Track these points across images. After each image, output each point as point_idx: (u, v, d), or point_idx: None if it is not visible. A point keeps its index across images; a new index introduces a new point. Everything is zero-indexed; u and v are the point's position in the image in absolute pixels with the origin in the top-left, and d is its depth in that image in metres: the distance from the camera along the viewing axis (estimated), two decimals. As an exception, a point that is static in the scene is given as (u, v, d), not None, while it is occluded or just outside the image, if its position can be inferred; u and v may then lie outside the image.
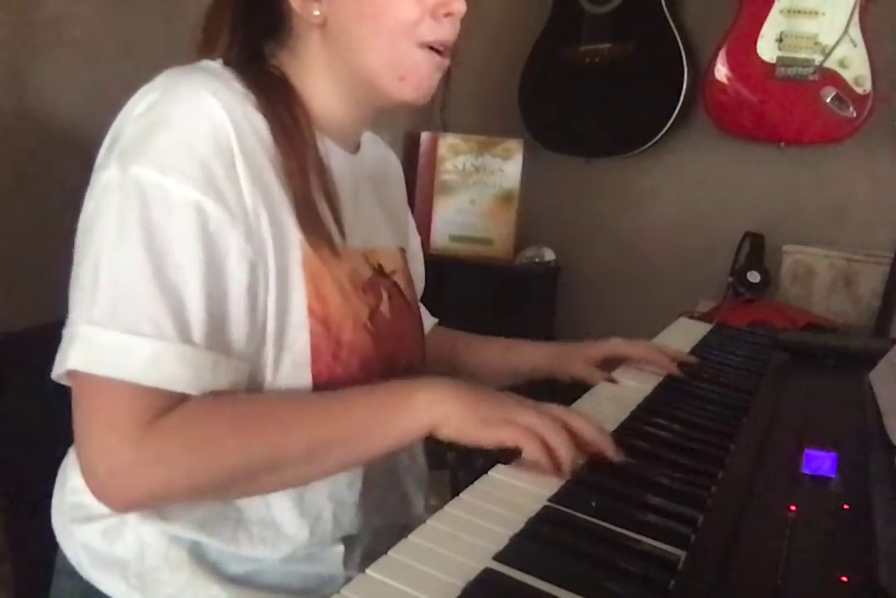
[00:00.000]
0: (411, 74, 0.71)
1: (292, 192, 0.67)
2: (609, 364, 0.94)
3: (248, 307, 0.64)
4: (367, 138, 0.87)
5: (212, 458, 0.61)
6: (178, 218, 0.60)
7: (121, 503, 0.63)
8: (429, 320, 1.00)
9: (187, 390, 0.60)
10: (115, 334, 0.58)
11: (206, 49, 0.72)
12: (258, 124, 0.67)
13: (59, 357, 0.61)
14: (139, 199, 0.60)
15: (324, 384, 0.69)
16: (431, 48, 0.71)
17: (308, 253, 0.68)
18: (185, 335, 0.59)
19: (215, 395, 0.62)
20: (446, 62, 0.73)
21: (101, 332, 0.58)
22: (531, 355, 0.97)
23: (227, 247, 0.62)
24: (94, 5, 1.35)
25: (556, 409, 0.65)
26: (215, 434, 0.61)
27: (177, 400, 0.60)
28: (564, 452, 0.61)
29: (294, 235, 0.67)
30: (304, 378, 0.69)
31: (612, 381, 0.88)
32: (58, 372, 0.62)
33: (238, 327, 0.64)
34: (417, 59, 0.71)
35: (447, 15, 0.71)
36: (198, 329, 0.60)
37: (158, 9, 1.42)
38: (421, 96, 0.73)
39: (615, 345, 0.94)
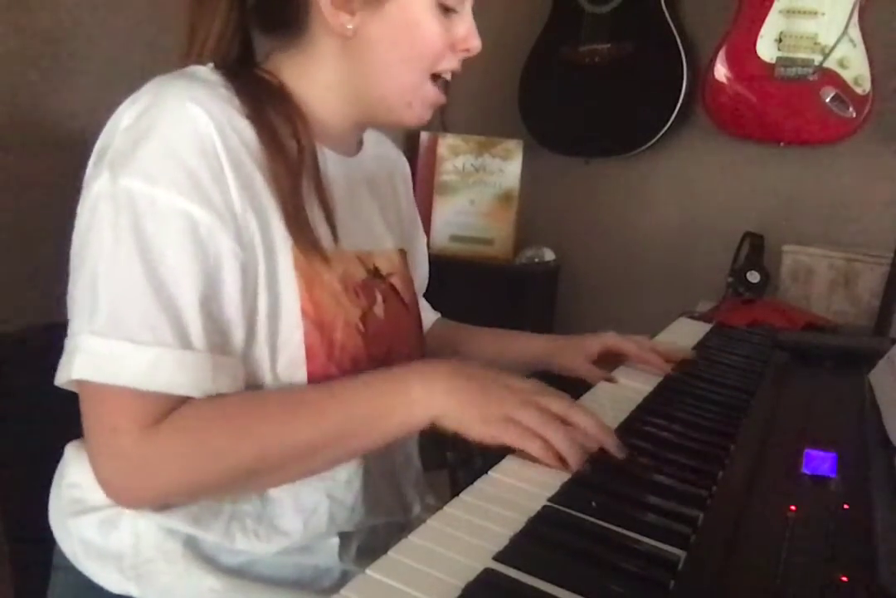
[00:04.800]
0: (417, 102, 0.75)
1: (280, 197, 0.68)
2: (606, 360, 0.94)
3: (243, 309, 0.65)
4: (371, 138, 0.87)
5: (211, 457, 0.63)
6: (168, 226, 0.61)
7: (132, 503, 0.66)
8: (431, 315, 1.02)
9: (189, 393, 0.62)
10: (115, 343, 0.60)
11: (192, 52, 0.72)
12: (244, 129, 0.67)
13: (62, 365, 0.63)
14: (130, 209, 0.61)
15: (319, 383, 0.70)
16: (435, 78, 0.75)
17: (299, 257, 0.69)
18: (184, 341, 0.61)
19: (214, 396, 0.63)
20: (443, 99, 0.77)
21: (101, 341, 0.60)
22: (529, 346, 0.98)
23: (219, 251, 0.63)
24: (92, 13, 1.35)
25: (558, 402, 0.65)
26: (213, 434, 0.63)
27: (179, 403, 0.62)
28: (568, 452, 0.61)
29: (285, 239, 0.68)
30: (300, 378, 0.70)
31: (611, 380, 0.88)
32: (61, 380, 0.63)
33: (236, 329, 0.65)
34: (427, 88, 0.75)
35: (464, 50, 0.75)
36: (196, 334, 0.62)
37: (158, 16, 1.42)
38: (418, 123, 0.77)
39: (610, 339, 0.95)
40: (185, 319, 0.61)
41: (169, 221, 0.61)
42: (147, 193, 0.61)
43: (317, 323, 0.70)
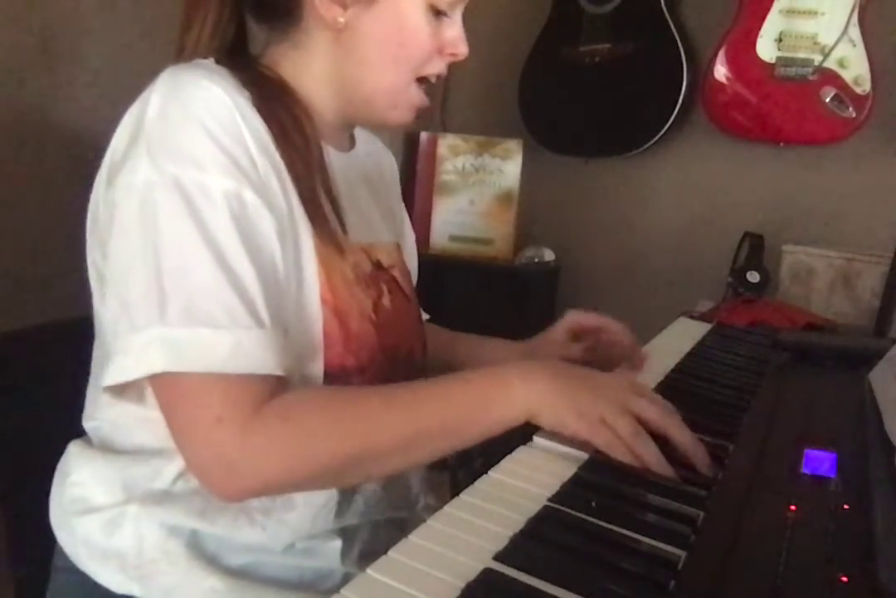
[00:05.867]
0: (403, 104, 0.76)
1: (297, 186, 0.69)
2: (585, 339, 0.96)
3: (286, 289, 0.66)
4: (362, 136, 0.88)
5: (315, 445, 0.61)
6: (221, 208, 0.62)
7: (234, 495, 0.64)
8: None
9: (275, 371, 0.61)
10: (195, 330, 0.59)
11: (186, 45, 0.72)
12: (255, 116, 0.67)
13: (124, 363, 0.60)
14: (182, 196, 0.61)
15: (334, 374, 0.70)
16: (421, 81, 0.75)
17: (318, 244, 0.70)
18: (258, 320, 0.61)
19: (308, 386, 0.65)
20: (427, 102, 0.78)
21: (181, 331, 0.59)
22: (507, 352, 0.99)
23: (266, 230, 0.64)
24: (95, 12, 1.35)
25: (656, 412, 0.64)
26: (315, 425, 0.62)
27: (269, 387, 0.61)
28: (657, 468, 0.61)
29: (304, 225, 0.69)
30: (316, 367, 0.69)
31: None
32: (126, 377, 0.60)
33: (286, 308, 0.66)
34: (412, 91, 0.75)
35: (451, 55, 0.75)
36: (264, 313, 0.62)
37: (161, 17, 1.42)
38: (401, 124, 0.78)
39: (569, 318, 0.96)
40: (254, 299, 0.62)
41: (221, 204, 0.62)
42: (196, 178, 0.61)
43: (335, 311, 0.70)
